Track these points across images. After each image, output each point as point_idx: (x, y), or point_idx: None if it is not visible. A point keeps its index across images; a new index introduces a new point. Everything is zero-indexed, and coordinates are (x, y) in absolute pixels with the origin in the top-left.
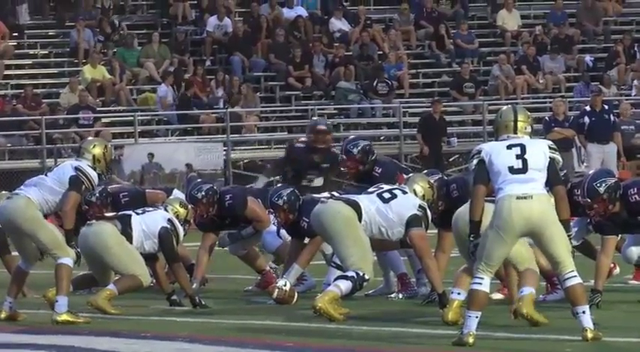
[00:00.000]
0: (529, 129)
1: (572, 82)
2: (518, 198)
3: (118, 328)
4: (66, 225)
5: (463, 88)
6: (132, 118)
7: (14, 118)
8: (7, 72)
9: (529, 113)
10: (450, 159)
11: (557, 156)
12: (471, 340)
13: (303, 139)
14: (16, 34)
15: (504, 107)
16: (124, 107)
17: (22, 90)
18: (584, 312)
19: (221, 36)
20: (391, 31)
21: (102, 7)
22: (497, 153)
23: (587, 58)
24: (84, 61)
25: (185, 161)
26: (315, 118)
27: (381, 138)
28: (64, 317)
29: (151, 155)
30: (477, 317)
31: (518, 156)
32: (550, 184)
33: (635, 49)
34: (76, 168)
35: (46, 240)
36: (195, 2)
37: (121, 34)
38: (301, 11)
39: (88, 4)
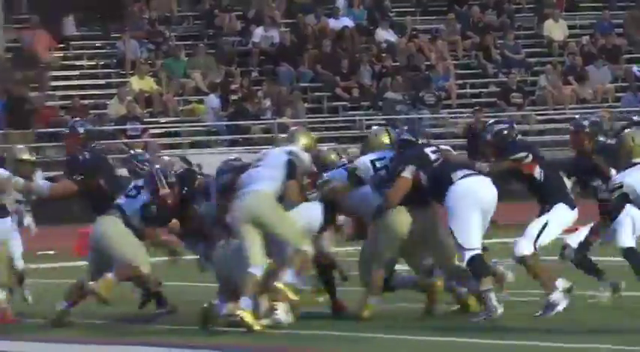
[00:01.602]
0: None
1: (620, 92)
2: None
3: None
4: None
5: (510, 99)
6: (179, 129)
7: (62, 129)
8: (54, 83)
9: None
10: None
11: None
12: None
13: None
14: (62, 45)
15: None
16: (171, 118)
17: (69, 101)
18: None
19: (267, 47)
20: (438, 41)
21: (148, 18)
22: None
23: (635, 68)
24: (131, 71)
25: None
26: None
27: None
28: None
29: (198, 166)
30: None
31: None
32: None
33: None
34: (290, 153)
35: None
36: (241, 13)
37: (169, 44)
38: (347, 22)
39: (135, 15)
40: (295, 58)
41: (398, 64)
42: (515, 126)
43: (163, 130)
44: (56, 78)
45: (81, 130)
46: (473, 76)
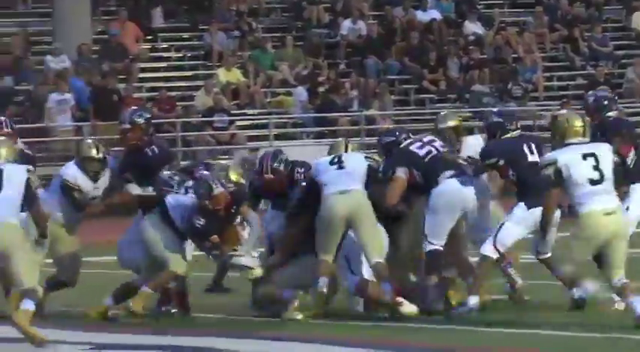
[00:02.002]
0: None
1: None
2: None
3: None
4: None
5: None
6: (266, 121)
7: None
8: (141, 75)
9: None
10: None
11: None
12: None
13: None
14: (150, 37)
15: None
16: (258, 110)
17: (156, 93)
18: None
19: (355, 39)
20: (525, 34)
21: (236, 10)
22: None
23: None
24: (218, 63)
25: None
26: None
27: None
28: None
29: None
30: None
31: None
32: None
33: None
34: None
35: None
36: (329, 5)
37: (256, 36)
38: (435, 14)
39: (222, 6)
40: (383, 51)
41: (485, 56)
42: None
43: (250, 122)
44: (144, 70)
45: (141, 121)
46: (560, 68)
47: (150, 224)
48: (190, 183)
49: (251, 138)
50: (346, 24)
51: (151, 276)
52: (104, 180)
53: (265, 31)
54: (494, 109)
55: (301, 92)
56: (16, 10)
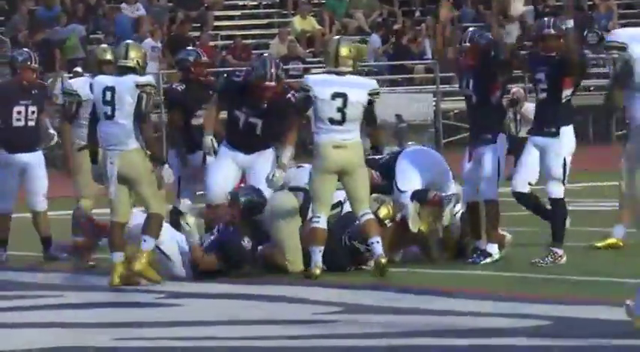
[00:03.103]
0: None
1: None
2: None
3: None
4: None
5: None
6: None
7: (224, 69)
8: (216, 23)
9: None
10: None
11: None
12: (317, 271)
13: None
14: None
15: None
16: None
17: (231, 41)
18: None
19: None
20: None
21: None
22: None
23: None
24: (293, 11)
25: (395, 112)
26: None
27: (591, 88)
28: None
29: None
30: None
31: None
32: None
33: None
34: None
35: None
36: None
37: None
38: None
39: None
40: None
41: (561, 3)
42: None
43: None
44: (218, 18)
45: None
46: (635, 15)
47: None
48: None
49: None
50: None
51: None
52: None
53: None
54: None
55: (376, 39)
56: None
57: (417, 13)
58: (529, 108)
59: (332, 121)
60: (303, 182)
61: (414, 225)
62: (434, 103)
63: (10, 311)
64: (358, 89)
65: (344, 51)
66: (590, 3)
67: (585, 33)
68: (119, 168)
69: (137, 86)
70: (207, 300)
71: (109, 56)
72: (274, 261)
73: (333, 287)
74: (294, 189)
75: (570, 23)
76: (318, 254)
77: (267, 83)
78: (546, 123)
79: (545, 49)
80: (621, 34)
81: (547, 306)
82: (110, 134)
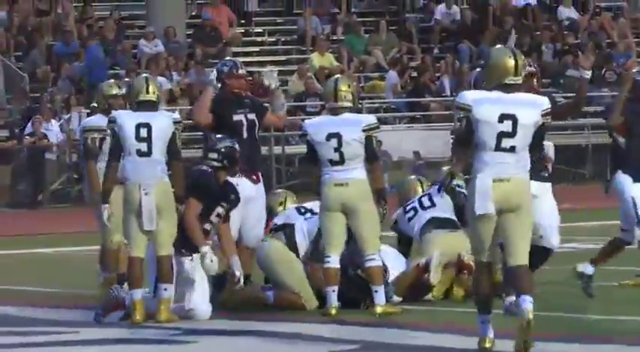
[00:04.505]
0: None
1: None
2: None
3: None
4: None
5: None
6: (360, 106)
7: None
8: (235, 59)
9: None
10: None
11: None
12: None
13: None
14: (243, 21)
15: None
16: None
17: (249, 77)
18: (376, 291)
19: (449, 24)
20: (620, 19)
21: None
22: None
23: None
24: (311, 48)
25: (413, 148)
26: None
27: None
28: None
29: (379, 142)
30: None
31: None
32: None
33: None
34: None
35: None
36: None
37: (350, 21)
38: None
39: None
40: (476, 36)
41: (579, 41)
42: None
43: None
44: (237, 54)
45: (243, 72)
46: None
47: None
48: None
49: None
50: (440, 8)
51: None
52: None
53: (359, 16)
54: None
55: (394, 76)
56: None
57: (436, 51)
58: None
59: (332, 162)
60: (296, 221)
61: (434, 278)
62: (451, 140)
63: (24, 347)
64: (352, 127)
65: (343, 86)
66: (609, 41)
67: (603, 71)
68: (156, 199)
69: (174, 123)
70: (223, 337)
71: (115, 91)
72: (290, 303)
73: (350, 325)
74: (277, 229)
75: (587, 73)
76: (332, 294)
77: (239, 72)
78: None
79: None
80: (467, 97)
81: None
82: (145, 171)
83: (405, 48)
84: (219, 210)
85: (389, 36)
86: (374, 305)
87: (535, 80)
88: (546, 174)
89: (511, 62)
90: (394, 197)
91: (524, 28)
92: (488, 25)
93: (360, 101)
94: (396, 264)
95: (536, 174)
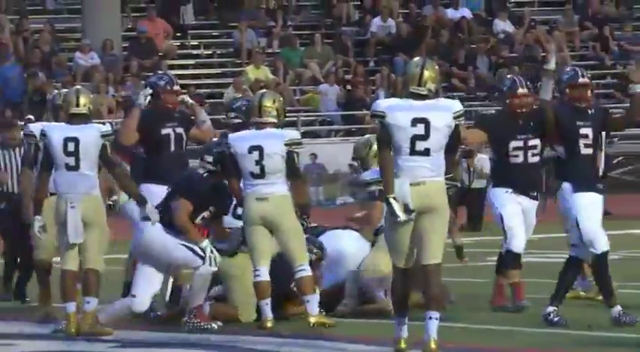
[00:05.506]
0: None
1: None
2: None
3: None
4: None
5: (628, 90)
6: (295, 119)
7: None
8: (170, 71)
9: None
10: (613, 162)
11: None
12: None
13: None
14: (179, 34)
15: None
16: (287, 107)
17: (185, 90)
18: (308, 301)
19: (384, 36)
20: (555, 32)
21: (266, 8)
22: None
23: None
24: (247, 61)
25: (348, 162)
26: None
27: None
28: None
29: (313, 155)
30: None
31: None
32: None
33: None
34: None
35: None
36: (359, 3)
37: (286, 34)
38: (466, 12)
39: (252, 4)
40: (412, 48)
41: (515, 54)
42: None
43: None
44: (172, 67)
45: (177, 88)
46: (590, 67)
47: None
48: None
49: None
50: (376, 22)
51: None
52: None
53: (295, 29)
54: None
55: (329, 90)
56: (45, 7)
57: (372, 64)
58: (481, 160)
59: (253, 175)
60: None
61: None
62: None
63: None
64: (274, 140)
65: (267, 102)
66: (544, 54)
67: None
68: (83, 212)
69: (102, 136)
70: (164, 350)
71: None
72: (225, 314)
73: (286, 337)
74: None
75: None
76: (266, 307)
77: (174, 88)
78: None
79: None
80: (381, 105)
81: None
82: (72, 184)
83: (341, 61)
84: (205, 213)
85: (325, 49)
86: (308, 316)
87: (589, 92)
88: (601, 186)
89: (417, 72)
90: (330, 211)
91: (460, 41)
92: (424, 38)
93: (296, 114)
94: (356, 243)
95: (592, 186)
